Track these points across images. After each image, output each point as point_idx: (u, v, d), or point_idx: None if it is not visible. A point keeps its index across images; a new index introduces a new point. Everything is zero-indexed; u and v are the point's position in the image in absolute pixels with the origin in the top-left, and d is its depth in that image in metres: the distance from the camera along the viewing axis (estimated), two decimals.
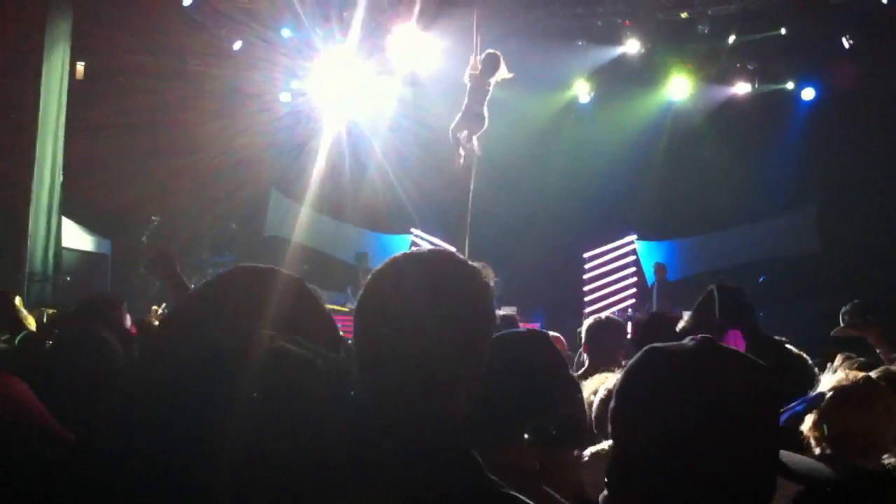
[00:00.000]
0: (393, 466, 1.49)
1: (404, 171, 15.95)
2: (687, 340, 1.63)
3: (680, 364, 1.58)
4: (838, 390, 2.90)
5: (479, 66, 10.13)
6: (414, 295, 1.61)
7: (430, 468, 1.50)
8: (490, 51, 10.18)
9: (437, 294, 1.61)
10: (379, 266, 1.70)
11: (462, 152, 10.42)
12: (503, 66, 10.14)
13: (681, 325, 4.03)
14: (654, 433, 1.54)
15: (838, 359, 4.72)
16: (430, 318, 1.58)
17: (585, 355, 4.88)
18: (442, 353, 1.57)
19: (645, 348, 1.66)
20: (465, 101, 10.22)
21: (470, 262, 1.71)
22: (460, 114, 10.29)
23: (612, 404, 1.65)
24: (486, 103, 10.21)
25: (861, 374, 3.01)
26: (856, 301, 7.39)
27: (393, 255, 1.72)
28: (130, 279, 13.22)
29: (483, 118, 10.17)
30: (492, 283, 1.71)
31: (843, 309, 7.24)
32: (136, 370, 1.36)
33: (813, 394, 2.87)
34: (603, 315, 5.30)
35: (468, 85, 10.22)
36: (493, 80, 10.13)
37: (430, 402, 1.57)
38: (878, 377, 3.40)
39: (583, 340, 4.96)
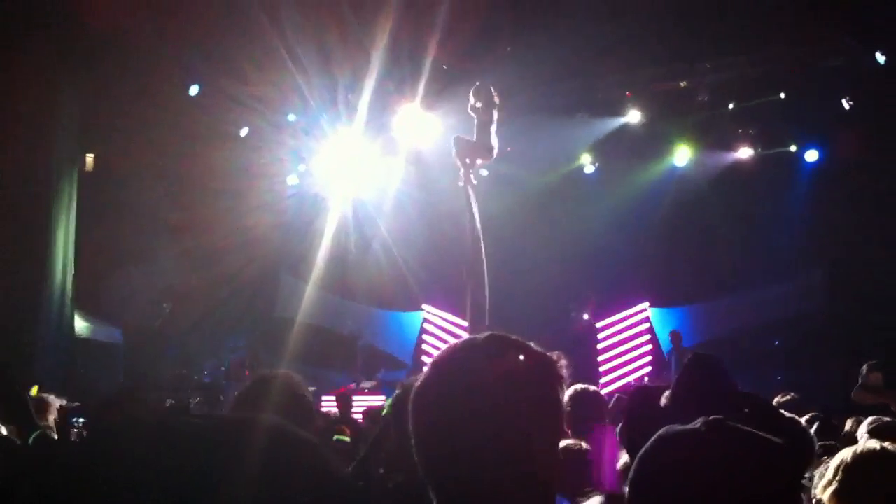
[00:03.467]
0: None
1: (410, 248, 16.03)
2: (699, 423, 1.62)
3: (692, 449, 1.57)
4: (857, 461, 2.77)
5: (475, 99, 10.21)
6: (463, 391, 1.51)
7: None
8: (478, 83, 10.27)
9: (487, 389, 1.51)
10: (435, 358, 1.61)
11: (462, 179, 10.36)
12: (494, 96, 10.19)
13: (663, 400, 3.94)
14: None
15: (863, 424, 4.64)
16: (485, 416, 1.48)
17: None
18: (500, 453, 1.47)
19: (658, 434, 1.65)
20: (475, 133, 10.26)
21: (530, 347, 1.61)
22: (473, 142, 10.31)
23: (628, 494, 1.64)
24: (493, 133, 10.24)
25: (877, 445, 2.85)
26: (872, 363, 7.33)
27: (450, 345, 1.63)
28: (142, 368, 13.16)
29: (492, 149, 10.19)
30: (563, 372, 1.61)
31: (861, 371, 7.18)
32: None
33: None
34: (579, 386, 5.22)
35: (475, 119, 10.29)
36: (494, 112, 10.19)
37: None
38: None
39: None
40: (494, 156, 10.16)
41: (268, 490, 1.19)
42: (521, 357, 1.57)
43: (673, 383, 3.11)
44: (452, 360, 1.59)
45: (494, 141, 9.97)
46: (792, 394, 6.37)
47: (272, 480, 1.20)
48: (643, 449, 1.65)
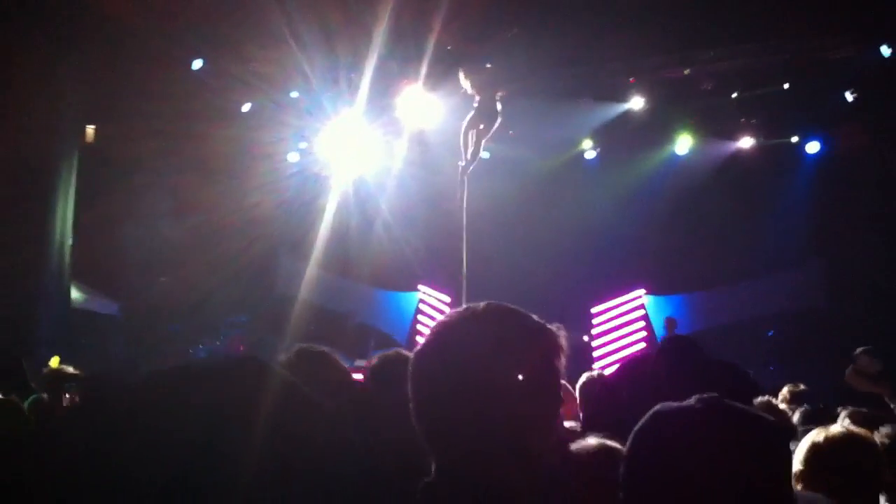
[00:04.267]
0: None
1: (411, 229, 16.03)
2: (694, 401, 1.62)
3: (688, 427, 1.57)
4: (816, 449, 2.80)
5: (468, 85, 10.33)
6: (464, 359, 1.53)
7: None
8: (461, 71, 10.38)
9: (486, 356, 1.53)
10: (434, 326, 1.63)
11: (466, 157, 10.47)
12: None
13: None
14: (665, 497, 1.53)
15: (843, 414, 4.68)
16: (483, 383, 1.50)
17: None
18: (496, 419, 1.49)
19: (653, 411, 1.65)
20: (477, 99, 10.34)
21: (529, 317, 1.63)
22: (473, 111, 10.38)
23: (622, 469, 1.63)
24: (498, 99, 10.32)
25: (837, 431, 2.91)
26: (867, 348, 7.33)
27: (448, 314, 1.65)
28: (143, 340, 13.20)
29: (496, 113, 10.27)
30: (563, 343, 1.64)
31: (855, 354, 7.19)
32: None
33: None
34: (595, 372, 5.24)
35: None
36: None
37: (491, 474, 1.50)
38: (887, 434, 3.36)
39: (577, 399, 4.90)
40: (498, 122, 10.24)
41: (274, 422, 1.20)
42: (520, 326, 1.60)
43: (652, 363, 3.09)
44: (453, 327, 1.61)
45: (498, 107, 10.06)
46: (802, 385, 6.37)
47: (277, 414, 1.22)
48: (638, 425, 1.65)
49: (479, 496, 1.46)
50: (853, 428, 2.96)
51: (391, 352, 3.20)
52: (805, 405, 5.62)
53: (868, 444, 2.88)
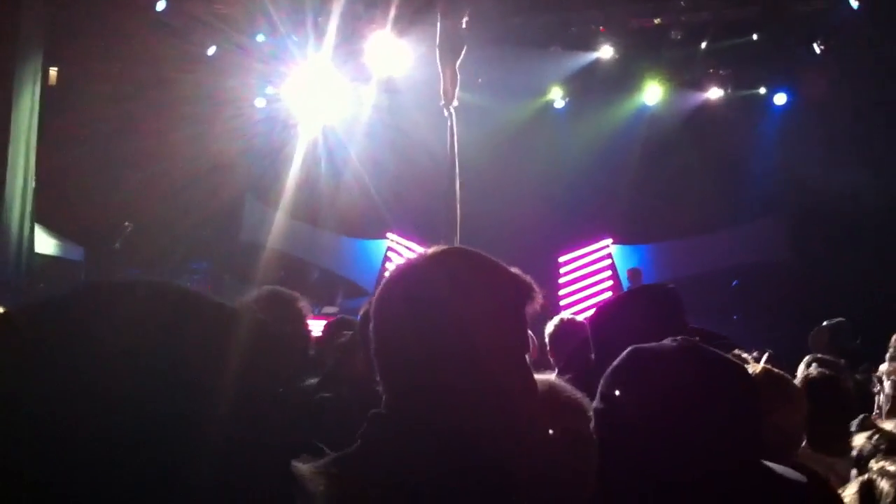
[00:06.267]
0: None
1: (380, 176, 15.95)
2: (669, 341, 1.66)
3: (664, 366, 1.61)
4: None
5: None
6: (434, 294, 1.51)
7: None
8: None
9: (457, 294, 1.51)
10: (390, 272, 1.63)
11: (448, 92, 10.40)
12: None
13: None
14: (641, 433, 1.57)
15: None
16: (449, 318, 1.48)
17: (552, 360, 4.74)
18: (463, 357, 1.47)
19: (628, 350, 1.68)
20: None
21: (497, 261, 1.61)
22: (439, 44, 10.33)
23: (596, 405, 1.67)
24: (464, 25, 10.30)
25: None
26: (840, 321, 7.43)
27: (418, 254, 1.63)
28: None
29: (462, 37, 10.23)
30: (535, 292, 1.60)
31: (829, 325, 7.28)
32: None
33: None
34: (565, 317, 5.15)
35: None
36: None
37: (450, 416, 1.47)
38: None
39: (548, 346, 4.88)
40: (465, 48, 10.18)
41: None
42: (490, 268, 1.59)
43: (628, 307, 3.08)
44: (420, 265, 1.59)
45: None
46: (769, 351, 6.43)
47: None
48: (614, 363, 1.68)
49: (426, 430, 1.45)
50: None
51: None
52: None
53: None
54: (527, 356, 1.57)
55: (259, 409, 1.02)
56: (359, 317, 3.37)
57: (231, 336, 1.02)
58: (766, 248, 16.04)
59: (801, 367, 4.66)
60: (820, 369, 4.07)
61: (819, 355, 4.87)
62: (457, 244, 9.75)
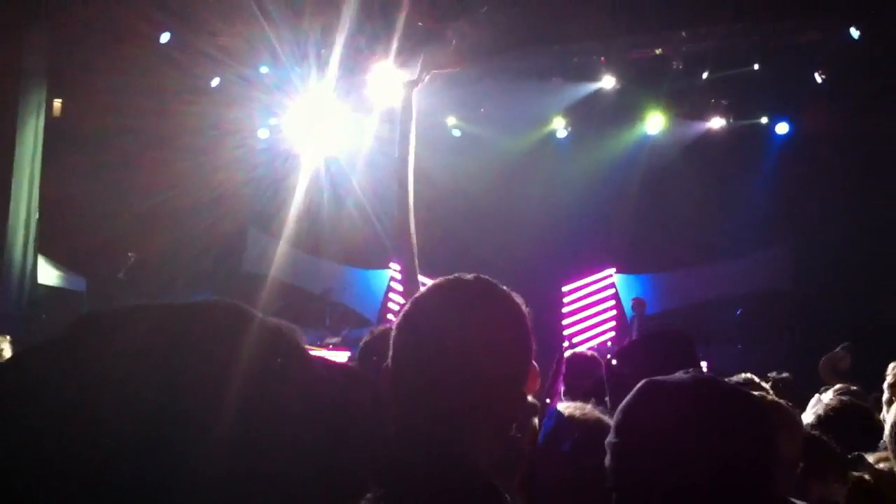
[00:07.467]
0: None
1: (382, 206, 15.97)
2: (682, 374, 1.66)
3: (678, 399, 1.60)
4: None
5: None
6: (447, 323, 1.55)
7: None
8: None
9: (468, 323, 1.55)
10: (420, 292, 1.66)
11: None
12: None
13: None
14: (656, 467, 1.56)
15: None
16: (461, 347, 1.52)
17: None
18: (469, 385, 1.51)
19: (642, 382, 1.68)
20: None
21: (509, 291, 1.66)
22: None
23: (610, 439, 1.66)
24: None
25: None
26: (847, 344, 7.42)
27: (435, 282, 1.66)
28: None
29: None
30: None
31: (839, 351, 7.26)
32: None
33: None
34: (578, 351, 5.27)
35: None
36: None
37: (454, 437, 1.51)
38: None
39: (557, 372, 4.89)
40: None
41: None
42: (506, 301, 1.63)
43: (638, 353, 3.14)
44: (439, 294, 1.62)
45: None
46: (786, 373, 6.39)
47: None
48: (627, 399, 1.68)
49: (434, 454, 1.48)
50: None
51: (385, 327, 3.19)
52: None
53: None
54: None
55: (261, 440, 0.98)
56: (359, 347, 3.34)
57: (238, 363, 0.98)
58: (769, 278, 16.02)
59: (830, 394, 4.62)
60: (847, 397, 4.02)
61: (840, 385, 4.83)
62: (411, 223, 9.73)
